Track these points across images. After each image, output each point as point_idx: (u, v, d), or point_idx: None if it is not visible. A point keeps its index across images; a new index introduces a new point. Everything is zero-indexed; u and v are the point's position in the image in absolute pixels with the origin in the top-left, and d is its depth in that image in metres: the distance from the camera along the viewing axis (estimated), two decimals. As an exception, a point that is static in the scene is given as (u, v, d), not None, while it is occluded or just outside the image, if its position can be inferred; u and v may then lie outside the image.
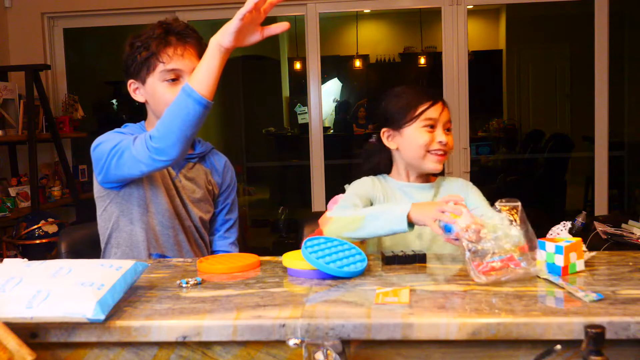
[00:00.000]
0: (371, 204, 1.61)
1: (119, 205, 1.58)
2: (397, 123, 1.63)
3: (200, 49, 1.57)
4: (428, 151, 1.60)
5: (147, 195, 1.58)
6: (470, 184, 1.71)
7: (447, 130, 1.63)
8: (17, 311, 0.99)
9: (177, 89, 1.52)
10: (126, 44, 1.59)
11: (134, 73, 1.57)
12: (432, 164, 1.62)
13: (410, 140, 1.62)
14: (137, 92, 1.60)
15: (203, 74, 1.34)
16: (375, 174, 1.69)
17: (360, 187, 1.64)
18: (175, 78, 1.55)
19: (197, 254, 1.66)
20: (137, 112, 1.69)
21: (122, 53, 1.60)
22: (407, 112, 1.61)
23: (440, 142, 1.59)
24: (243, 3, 1.28)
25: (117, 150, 1.44)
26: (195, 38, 1.58)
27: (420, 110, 1.59)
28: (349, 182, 1.70)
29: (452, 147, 1.64)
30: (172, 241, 1.61)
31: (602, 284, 1.16)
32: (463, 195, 1.63)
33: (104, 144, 1.49)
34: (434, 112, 1.60)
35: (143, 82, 1.57)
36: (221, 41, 1.34)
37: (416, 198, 1.63)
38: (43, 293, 1.02)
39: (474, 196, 1.65)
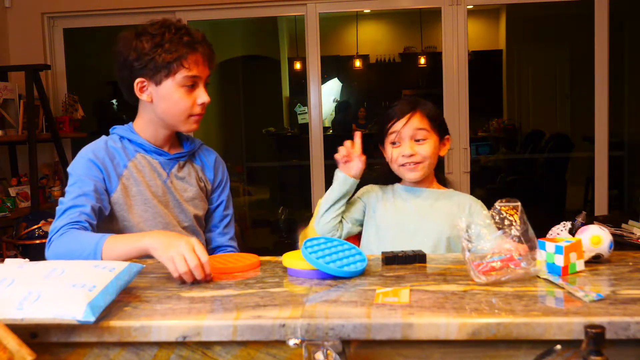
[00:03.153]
0: (363, 207, 1.74)
1: (110, 221, 1.58)
2: (379, 141, 1.75)
3: (214, 60, 1.61)
4: (399, 165, 1.68)
5: (135, 206, 1.58)
6: (480, 203, 1.71)
7: (418, 140, 1.66)
8: (7, 312, 0.99)
9: (192, 96, 1.56)
10: (131, 38, 1.54)
11: (148, 73, 1.53)
12: (406, 175, 1.70)
13: (387, 158, 1.73)
14: (144, 90, 1.57)
15: (119, 254, 1.33)
16: (387, 180, 1.77)
17: (359, 191, 1.77)
18: (193, 84, 1.56)
19: None
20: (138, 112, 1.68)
21: (126, 48, 1.54)
22: (380, 130, 1.73)
23: (403, 155, 1.66)
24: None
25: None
26: (212, 49, 1.61)
27: (386, 128, 1.70)
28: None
29: (427, 155, 1.66)
30: None
31: (602, 284, 1.16)
32: (467, 207, 1.66)
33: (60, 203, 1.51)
34: (395, 127, 1.68)
35: (157, 83, 1.54)
36: (155, 252, 1.30)
37: (420, 207, 1.69)
38: (34, 294, 1.02)
39: (478, 215, 1.65)
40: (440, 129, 1.71)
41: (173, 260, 1.22)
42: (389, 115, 1.70)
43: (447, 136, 1.73)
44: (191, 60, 1.53)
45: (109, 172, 1.56)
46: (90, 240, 1.39)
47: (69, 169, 1.57)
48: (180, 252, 1.22)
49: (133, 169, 1.59)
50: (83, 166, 1.55)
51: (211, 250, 1.74)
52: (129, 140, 1.62)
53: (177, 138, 1.71)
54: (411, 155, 1.65)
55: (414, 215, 1.67)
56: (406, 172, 1.68)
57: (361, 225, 1.73)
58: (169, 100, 1.55)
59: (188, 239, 1.27)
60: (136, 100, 1.61)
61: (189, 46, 1.53)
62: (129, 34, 1.56)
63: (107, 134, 1.66)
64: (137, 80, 1.56)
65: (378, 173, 1.79)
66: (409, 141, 1.66)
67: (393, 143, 1.68)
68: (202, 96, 1.57)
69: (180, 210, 1.63)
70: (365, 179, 1.74)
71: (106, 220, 1.57)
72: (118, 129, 1.64)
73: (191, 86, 1.55)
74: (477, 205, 1.69)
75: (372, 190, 1.77)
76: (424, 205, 1.69)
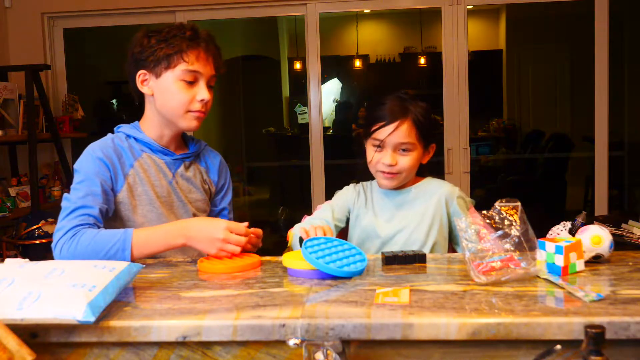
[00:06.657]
0: (348, 213, 1.70)
1: (114, 221, 1.58)
2: (363, 135, 1.67)
3: (219, 61, 1.61)
4: (377, 170, 1.62)
5: (139, 206, 1.57)
6: (457, 192, 1.65)
7: (403, 150, 1.59)
8: (7, 312, 0.99)
9: (191, 91, 1.55)
10: (140, 36, 1.58)
11: (149, 65, 1.56)
12: (381, 182, 1.65)
13: (367, 156, 1.66)
14: (146, 83, 1.59)
15: (150, 248, 1.42)
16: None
17: (340, 197, 1.72)
18: (193, 80, 1.56)
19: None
20: (138, 113, 1.68)
21: (134, 45, 1.58)
22: (365, 127, 1.64)
23: (383, 163, 1.59)
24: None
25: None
26: (218, 50, 1.61)
27: (372, 129, 1.61)
28: (349, 183, 1.74)
29: (407, 168, 1.59)
30: None
31: (602, 284, 1.16)
32: (443, 205, 1.63)
33: (64, 201, 1.50)
34: (382, 133, 1.59)
35: (157, 75, 1.56)
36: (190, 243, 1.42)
37: (396, 200, 1.66)
38: (34, 294, 1.02)
39: (455, 207, 1.63)
40: (426, 137, 1.62)
41: (217, 255, 1.39)
42: (377, 115, 1.60)
43: (432, 145, 1.65)
44: (192, 54, 1.54)
45: (116, 170, 1.55)
46: (115, 235, 1.41)
47: (76, 166, 1.56)
48: (220, 248, 1.38)
49: (139, 169, 1.58)
50: (91, 164, 1.54)
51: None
52: (135, 139, 1.62)
53: (182, 139, 1.71)
54: (391, 165, 1.58)
55: (393, 228, 1.62)
56: (382, 179, 1.62)
57: (343, 223, 1.70)
58: (167, 93, 1.56)
59: (219, 230, 1.39)
60: (142, 98, 1.63)
61: (190, 40, 1.55)
62: (139, 33, 1.60)
63: (110, 132, 1.66)
64: (139, 72, 1.58)
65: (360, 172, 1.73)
66: (391, 150, 1.58)
67: (377, 147, 1.60)
68: (201, 93, 1.56)
69: (184, 210, 1.63)
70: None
71: (110, 220, 1.57)
72: (124, 128, 1.64)
73: (191, 82, 1.55)
74: (452, 198, 1.63)
75: (354, 195, 1.71)
76: (402, 214, 1.64)
